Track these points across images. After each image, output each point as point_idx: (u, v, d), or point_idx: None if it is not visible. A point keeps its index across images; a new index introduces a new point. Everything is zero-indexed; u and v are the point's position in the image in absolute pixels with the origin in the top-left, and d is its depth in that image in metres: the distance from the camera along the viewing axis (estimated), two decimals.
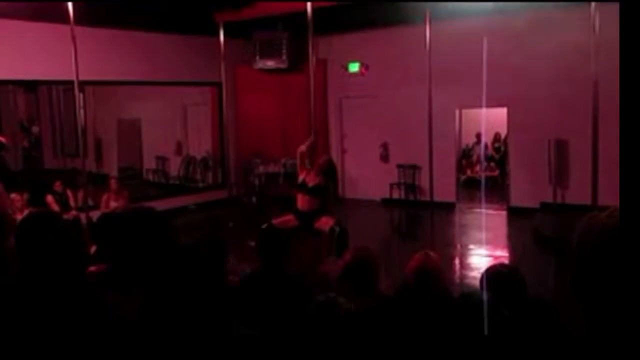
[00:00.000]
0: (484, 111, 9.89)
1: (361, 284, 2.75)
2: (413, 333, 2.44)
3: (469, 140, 13.13)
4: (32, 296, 1.76)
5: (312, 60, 7.60)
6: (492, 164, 12.68)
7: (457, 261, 7.49)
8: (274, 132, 11.67)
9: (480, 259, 7.48)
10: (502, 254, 7.72)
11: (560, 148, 9.39)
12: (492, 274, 2.75)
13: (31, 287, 1.81)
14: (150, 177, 13.27)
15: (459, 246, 8.25)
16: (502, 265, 3.25)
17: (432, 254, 2.81)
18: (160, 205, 9.46)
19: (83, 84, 7.68)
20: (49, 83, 10.83)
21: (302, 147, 6.65)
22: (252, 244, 7.04)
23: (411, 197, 10.91)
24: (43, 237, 1.87)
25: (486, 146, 12.78)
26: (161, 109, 12.80)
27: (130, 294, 1.89)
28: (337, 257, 6.24)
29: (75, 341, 1.69)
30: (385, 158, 11.30)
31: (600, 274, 0.98)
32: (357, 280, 2.77)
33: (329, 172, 6.66)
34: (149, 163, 13.43)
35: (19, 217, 4.37)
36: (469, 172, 12.76)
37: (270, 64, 11.16)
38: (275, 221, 6.45)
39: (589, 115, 6.69)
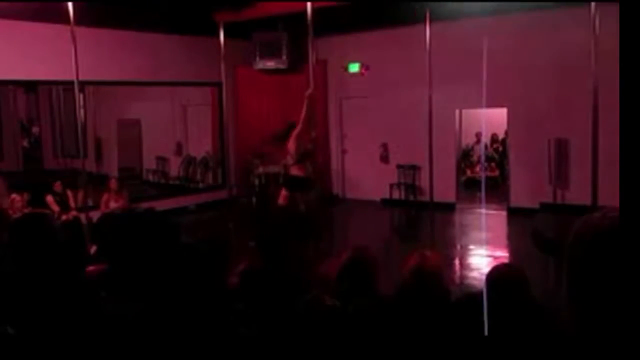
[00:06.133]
0: (484, 111, 9.89)
1: (359, 284, 2.75)
2: (411, 333, 2.44)
3: (469, 140, 13.12)
4: (24, 296, 1.76)
5: (312, 60, 7.59)
6: (492, 164, 12.67)
7: (457, 261, 7.48)
8: (274, 132, 11.65)
9: (480, 259, 7.47)
10: (502, 255, 7.72)
11: (560, 148, 9.38)
12: (496, 273, 2.74)
13: (24, 287, 1.80)
14: (150, 177, 13.26)
15: (459, 246, 8.24)
16: (506, 265, 3.24)
17: (429, 253, 2.80)
18: (160, 205, 9.47)
19: (83, 84, 7.67)
20: (49, 83, 10.82)
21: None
22: (252, 244, 7.07)
23: (411, 198, 10.91)
24: (34, 238, 1.87)
25: (486, 146, 12.77)
26: (161, 109, 12.80)
27: (131, 295, 1.89)
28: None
29: (69, 341, 1.68)
30: (385, 158, 11.29)
31: (594, 275, 0.98)
32: (355, 280, 2.76)
33: (303, 158, 7.17)
34: (149, 163, 13.42)
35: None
36: (469, 173, 12.74)
37: (271, 64, 11.16)
38: (280, 203, 6.91)
39: (589, 115, 6.69)
